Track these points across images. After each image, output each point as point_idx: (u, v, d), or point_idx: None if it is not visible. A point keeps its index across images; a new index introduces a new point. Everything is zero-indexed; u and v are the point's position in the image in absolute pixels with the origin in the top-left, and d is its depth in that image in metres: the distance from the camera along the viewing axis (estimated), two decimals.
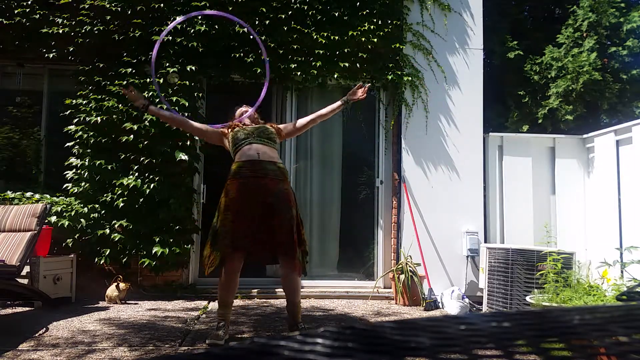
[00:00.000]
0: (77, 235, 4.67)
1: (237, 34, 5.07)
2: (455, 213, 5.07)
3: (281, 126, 3.50)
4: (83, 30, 4.97)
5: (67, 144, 4.86)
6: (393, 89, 5.26)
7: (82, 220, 4.67)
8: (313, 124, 3.52)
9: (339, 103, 3.44)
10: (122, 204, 4.69)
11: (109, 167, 4.75)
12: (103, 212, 4.76)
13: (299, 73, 5.11)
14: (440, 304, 4.59)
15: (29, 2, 5.03)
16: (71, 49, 5.00)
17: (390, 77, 5.16)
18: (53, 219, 4.59)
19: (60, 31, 4.99)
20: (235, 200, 3.02)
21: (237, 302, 4.62)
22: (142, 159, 4.78)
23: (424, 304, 4.53)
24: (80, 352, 2.85)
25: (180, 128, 4.02)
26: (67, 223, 4.60)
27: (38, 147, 5.31)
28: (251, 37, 4.77)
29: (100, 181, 4.78)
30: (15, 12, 5.00)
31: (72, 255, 4.52)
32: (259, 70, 5.03)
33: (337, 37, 5.11)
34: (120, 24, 5.00)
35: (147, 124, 4.79)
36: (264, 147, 3.16)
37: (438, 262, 5.01)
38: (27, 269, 4.00)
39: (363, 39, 5.15)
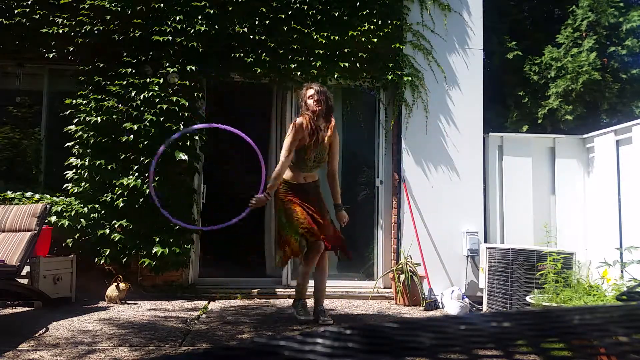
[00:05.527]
0: (77, 235, 4.67)
1: (237, 34, 5.07)
2: (455, 213, 5.07)
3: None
4: (83, 30, 4.97)
5: (67, 144, 4.85)
6: (393, 89, 5.26)
7: (82, 220, 4.67)
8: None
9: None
10: (122, 204, 4.68)
11: (109, 167, 4.75)
12: (103, 212, 4.76)
13: (299, 73, 5.11)
14: (440, 304, 4.59)
15: (29, 2, 5.02)
16: (71, 49, 5.00)
17: (390, 77, 5.15)
18: (53, 219, 4.59)
19: (60, 31, 4.99)
20: None
21: (238, 302, 4.62)
22: (142, 159, 4.77)
23: (424, 304, 4.53)
24: (81, 352, 2.85)
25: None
26: (67, 223, 4.60)
27: (38, 147, 5.31)
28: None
29: (100, 181, 4.78)
30: (15, 12, 5.00)
31: (72, 255, 4.52)
32: (259, 70, 5.04)
33: (337, 37, 5.11)
34: (120, 24, 5.00)
35: (147, 124, 4.79)
36: None
37: (438, 262, 5.00)
38: (27, 269, 4.00)
39: (363, 39, 5.15)
